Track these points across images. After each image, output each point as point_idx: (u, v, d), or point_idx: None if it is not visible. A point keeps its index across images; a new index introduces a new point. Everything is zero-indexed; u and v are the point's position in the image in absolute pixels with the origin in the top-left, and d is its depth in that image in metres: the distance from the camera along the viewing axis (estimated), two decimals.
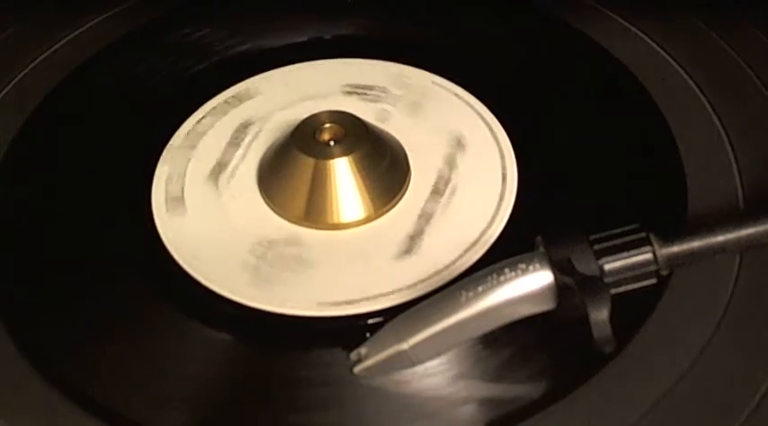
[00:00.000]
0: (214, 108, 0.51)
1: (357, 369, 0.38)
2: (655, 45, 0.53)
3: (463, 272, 0.42)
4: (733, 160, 0.46)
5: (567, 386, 0.38)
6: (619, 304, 0.35)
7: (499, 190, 0.46)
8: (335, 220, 0.44)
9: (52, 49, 0.55)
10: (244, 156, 0.48)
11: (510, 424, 0.37)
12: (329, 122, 0.46)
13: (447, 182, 0.46)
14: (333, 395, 0.38)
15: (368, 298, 0.41)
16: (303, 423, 0.38)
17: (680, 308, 0.40)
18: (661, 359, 0.38)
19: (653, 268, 0.37)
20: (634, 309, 0.39)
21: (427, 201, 0.46)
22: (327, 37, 0.55)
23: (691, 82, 0.50)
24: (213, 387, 0.39)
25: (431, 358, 0.38)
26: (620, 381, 0.38)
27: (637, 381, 0.38)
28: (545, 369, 0.39)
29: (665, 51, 0.52)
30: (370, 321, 0.40)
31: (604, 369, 0.38)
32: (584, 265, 0.36)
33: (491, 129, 0.49)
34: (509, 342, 0.39)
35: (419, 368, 0.38)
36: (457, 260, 0.43)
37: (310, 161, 0.44)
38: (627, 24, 0.54)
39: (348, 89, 0.52)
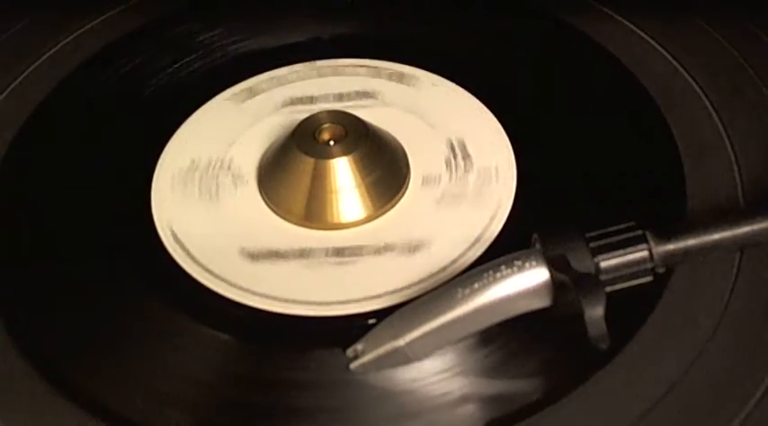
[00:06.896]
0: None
1: (353, 366, 0.38)
2: (655, 44, 0.53)
3: (462, 271, 0.42)
4: (733, 160, 0.46)
5: (567, 385, 0.38)
6: (619, 303, 0.35)
7: (498, 189, 0.46)
8: (335, 220, 0.44)
9: (52, 50, 0.55)
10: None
11: (510, 423, 0.37)
12: (329, 122, 0.46)
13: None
14: (332, 394, 0.38)
15: (368, 297, 0.41)
16: (303, 422, 0.38)
17: (680, 307, 0.40)
18: (661, 358, 0.38)
19: (649, 266, 0.37)
20: (634, 308, 0.39)
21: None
22: (326, 37, 0.55)
23: (691, 81, 0.50)
24: (213, 387, 0.39)
25: (427, 354, 0.38)
26: (620, 380, 0.38)
27: (637, 380, 0.38)
28: (544, 368, 0.39)
29: (666, 50, 0.52)
30: (370, 320, 0.40)
31: (604, 368, 0.38)
32: (580, 262, 0.36)
33: (491, 129, 0.49)
34: (509, 340, 0.39)
35: (418, 367, 0.38)
36: (456, 258, 0.43)
37: (310, 161, 0.44)
38: (627, 24, 0.54)
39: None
